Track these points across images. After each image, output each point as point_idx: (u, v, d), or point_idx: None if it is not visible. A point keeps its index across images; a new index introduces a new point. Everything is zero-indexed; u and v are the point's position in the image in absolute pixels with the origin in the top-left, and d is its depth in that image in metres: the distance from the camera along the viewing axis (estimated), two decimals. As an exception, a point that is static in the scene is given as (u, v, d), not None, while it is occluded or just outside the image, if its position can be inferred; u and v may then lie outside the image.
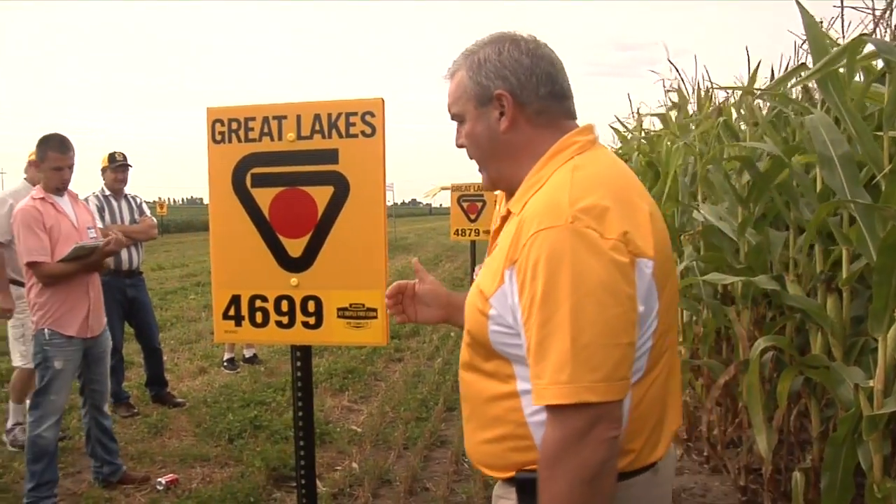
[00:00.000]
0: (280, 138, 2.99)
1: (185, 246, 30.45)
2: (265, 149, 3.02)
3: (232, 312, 3.12)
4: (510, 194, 1.75)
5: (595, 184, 1.55)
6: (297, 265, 3.03)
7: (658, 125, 6.76)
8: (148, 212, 6.76)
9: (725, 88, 5.29)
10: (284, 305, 3.05)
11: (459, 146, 1.83)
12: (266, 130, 3.00)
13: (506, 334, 1.58)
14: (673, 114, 6.23)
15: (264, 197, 3.03)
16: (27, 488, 4.46)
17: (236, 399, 6.78)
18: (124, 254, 6.28)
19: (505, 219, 1.71)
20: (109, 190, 6.44)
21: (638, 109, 7.72)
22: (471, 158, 1.82)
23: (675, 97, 6.09)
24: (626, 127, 8.22)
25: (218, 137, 3.07)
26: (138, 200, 6.67)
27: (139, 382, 7.21)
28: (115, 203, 6.42)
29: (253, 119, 3.02)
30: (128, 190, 6.59)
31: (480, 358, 1.68)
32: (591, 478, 1.44)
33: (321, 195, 2.97)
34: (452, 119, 1.83)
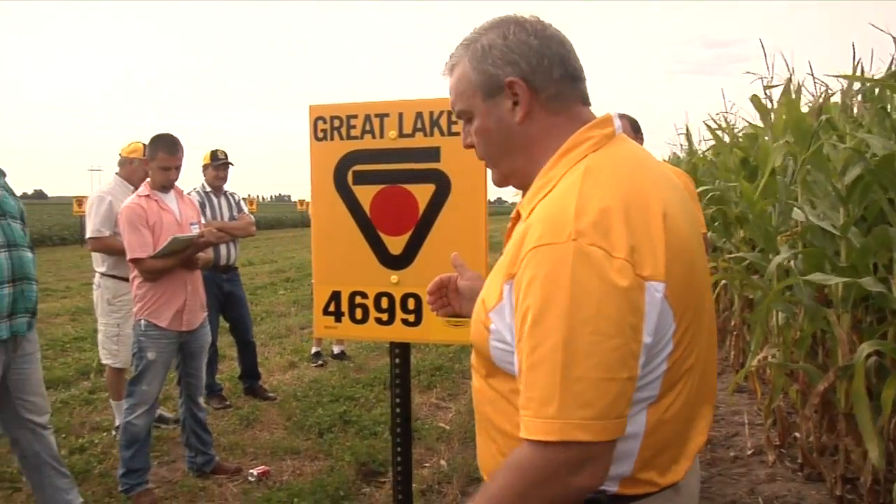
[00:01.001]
0: (382, 136, 3.03)
1: (274, 242, 31.03)
2: (367, 146, 3.05)
3: (332, 308, 3.17)
4: (524, 190, 1.61)
5: (607, 190, 1.40)
6: (397, 262, 3.05)
7: (756, 121, 6.61)
8: (246, 209, 6.92)
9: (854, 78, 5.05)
10: (384, 302, 3.08)
11: (468, 146, 1.67)
12: (368, 128, 3.04)
13: (506, 352, 1.46)
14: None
15: (366, 194, 3.06)
16: (119, 473, 4.64)
17: (326, 394, 6.88)
18: (223, 249, 6.45)
19: (516, 220, 1.56)
20: (210, 187, 6.62)
21: (731, 107, 7.57)
22: (481, 158, 1.67)
23: (774, 94, 5.94)
24: (719, 125, 8.09)
25: (320, 135, 3.12)
26: (237, 198, 6.83)
27: (231, 375, 7.39)
28: (215, 200, 6.59)
29: (355, 117, 3.06)
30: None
31: (486, 370, 1.57)
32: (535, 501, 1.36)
33: (422, 193, 2.99)
34: (458, 118, 1.68)
